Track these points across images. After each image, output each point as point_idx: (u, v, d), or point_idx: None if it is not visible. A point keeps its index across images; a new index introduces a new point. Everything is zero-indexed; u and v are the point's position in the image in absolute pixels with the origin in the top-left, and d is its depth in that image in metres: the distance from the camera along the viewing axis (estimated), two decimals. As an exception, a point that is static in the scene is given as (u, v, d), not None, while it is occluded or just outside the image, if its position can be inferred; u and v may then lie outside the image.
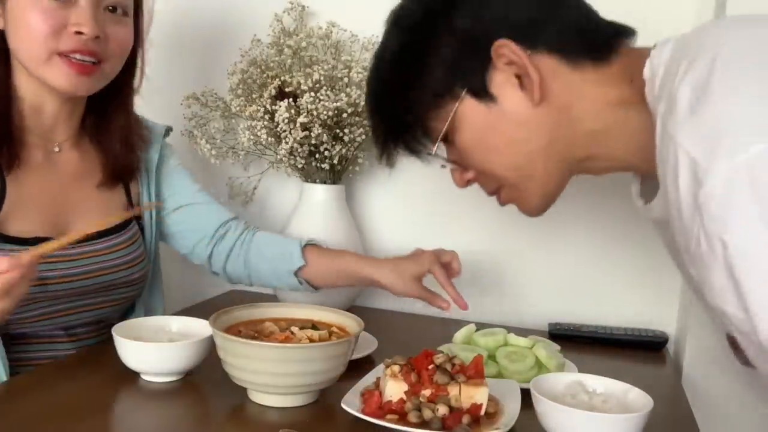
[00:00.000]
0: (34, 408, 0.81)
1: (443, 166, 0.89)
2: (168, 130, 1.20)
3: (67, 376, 0.91)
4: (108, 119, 1.09)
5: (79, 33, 0.94)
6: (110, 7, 0.99)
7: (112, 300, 1.07)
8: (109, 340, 0.91)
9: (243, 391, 0.86)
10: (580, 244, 1.29)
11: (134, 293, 1.10)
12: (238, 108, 1.25)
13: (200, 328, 0.95)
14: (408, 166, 1.36)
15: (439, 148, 0.85)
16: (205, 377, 0.92)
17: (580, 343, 1.20)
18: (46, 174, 1.03)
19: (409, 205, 1.37)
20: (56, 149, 1.05)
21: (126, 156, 1.09)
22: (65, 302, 1.01)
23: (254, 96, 1.24)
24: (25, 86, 1.00)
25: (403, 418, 0.77)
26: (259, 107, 1.21)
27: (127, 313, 1.13)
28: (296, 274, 1.12)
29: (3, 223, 0.96)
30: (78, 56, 0.95)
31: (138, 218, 1.12)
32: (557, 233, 1.30)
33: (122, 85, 1.08)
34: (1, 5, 0.97)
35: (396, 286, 1.07)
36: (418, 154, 0.87)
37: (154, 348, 0.89)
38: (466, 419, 0.76)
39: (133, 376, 0.91)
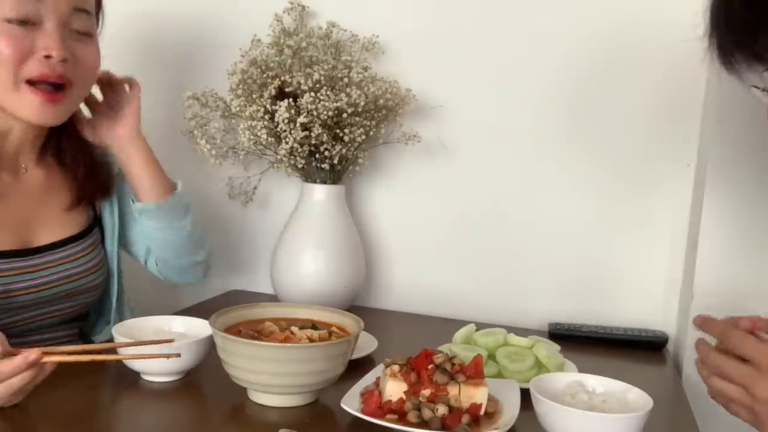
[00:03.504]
0: (34, 408, 0.81)
1: (764, 90, 0.79)
2: None
3: (67, 375, 0.90)
4: (66, 142, 1.09)
5: (47, 57, 0.94)
6: (77, 30, 0.98)
7: (69, 307, 1.07)
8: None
9: (243, 391, 0.86)
10: (580, 244, 1.29)
11: (92, 299, 1.10)
12: (238, 108, 1.25)
13: (200, 328, 0.95)
14: (408, 166, 1.37)
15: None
16: (205, 377, 0.92)
17: (580, 343, 1.20)
18: (14, 194, 1.03)
19: (409, 205, 1.37)
20: (24, 170, 1.05)
21: (91, 179, 1.10)
22: (26, 312, 1.01)
23: (254, 96, 1.24)
24: None
25: (402, 418, 0.77)
26: (259, 107, 1.21)
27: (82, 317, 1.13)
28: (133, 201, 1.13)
29: None
30: (48, 81, 0.95)
31: (100, 223, 1.13)
32: (557, 233, 1.30)
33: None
34: None
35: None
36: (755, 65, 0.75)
37: (155, 348, 0.89)
38: (465, 419, 0.76)
39: (133, 376, 0.91)
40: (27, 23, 0.94)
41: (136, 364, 0.90)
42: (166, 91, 1.22)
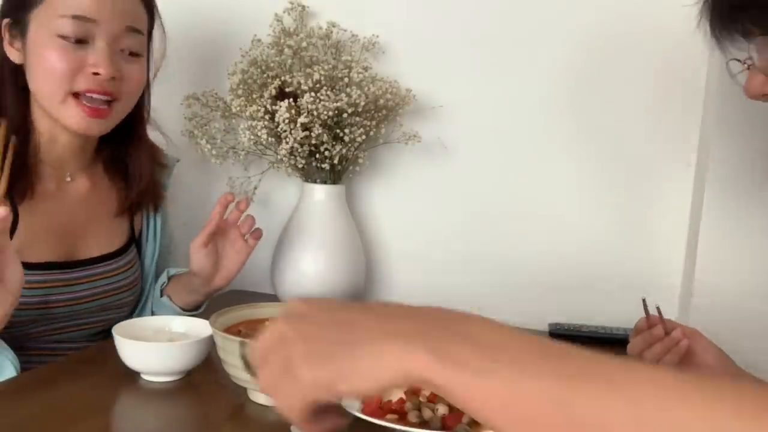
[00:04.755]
0: (34, 408, 0.81)
1: (745, 63, 0.78)
2: (177, 161, 1.23)
3: (67, 376, 0.91)
4: (123, 153, 1.12)
5: (96, 74, 0.97)
6: (127, 49, 1.01)
7: (99, 321, 1.08)
8: (109, 340, 0.91)
9: (243, 391, 0.85)
10: (580, 243, 1.29)
11: (121, 316, 1.10)
12: (238, 108, 1.25)
13: (200, 328, 0.95)
14: (408, 166, 1.37)
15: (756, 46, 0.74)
16: (205, 377, 0.92)
17: (580, 343, 1.19)
18: (57, 202, 1.05)
19: (409, 205, 1.37)
20: (68, 179, 1.07)
21: (143, 189, 1.12)
22: (60, 322, 1.03)
23: (254, 96, 1.24)
24: (40, 120, 1.02)
25: (403, 418, 0.77)
26: (259, 107, 1.21)
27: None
28: (162, 291, 1.14)
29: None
30: (94, 96, 0.97)
31: (138, 242, 1.15)
32: (557, 233, 1.30)
33: (135, 119, 1.11)
34: (21, 40, 0.99)
35: (192, 261, 1.07)
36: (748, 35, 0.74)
37: (154, 348, 0.90)
38: (466, 419, 0.76)
39: (133, 376, 0.91)
40: (80, 40, 0.97)
41: (137, 364, 0.90)
42: (166, 90, 1.22)
